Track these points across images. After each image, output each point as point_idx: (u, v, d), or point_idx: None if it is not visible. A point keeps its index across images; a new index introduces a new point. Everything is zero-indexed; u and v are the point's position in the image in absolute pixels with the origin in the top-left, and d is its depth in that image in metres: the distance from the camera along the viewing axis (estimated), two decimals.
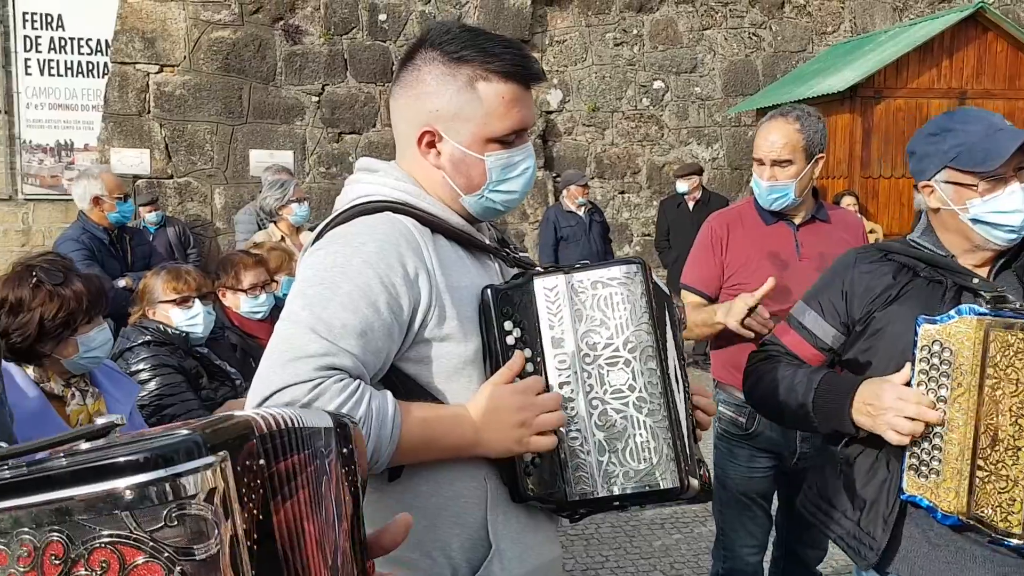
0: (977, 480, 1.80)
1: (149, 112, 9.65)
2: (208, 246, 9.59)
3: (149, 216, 7.76)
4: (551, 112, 10.79)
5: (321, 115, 10.05)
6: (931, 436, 1.86)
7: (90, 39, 11.42)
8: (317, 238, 1.61)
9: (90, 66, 11.48)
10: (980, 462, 1.79)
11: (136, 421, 2.58)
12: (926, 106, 9.39)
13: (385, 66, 10.18)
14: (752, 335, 2.80)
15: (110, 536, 0.64)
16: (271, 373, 1.40)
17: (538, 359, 1.57)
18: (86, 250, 5.31)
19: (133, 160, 9.50)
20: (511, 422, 1.50)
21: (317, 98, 10.05)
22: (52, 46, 11.39)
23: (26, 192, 11.44)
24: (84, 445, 0.71)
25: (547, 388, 1.56)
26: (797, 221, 3.05)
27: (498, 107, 1.57)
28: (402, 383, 1.53)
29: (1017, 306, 1.84)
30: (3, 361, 2.01)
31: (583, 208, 8.51)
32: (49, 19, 11.35)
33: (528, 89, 1.62)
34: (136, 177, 9.52)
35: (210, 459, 0.67)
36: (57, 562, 0.64)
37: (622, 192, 11.03)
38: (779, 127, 2.96)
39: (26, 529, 0.65)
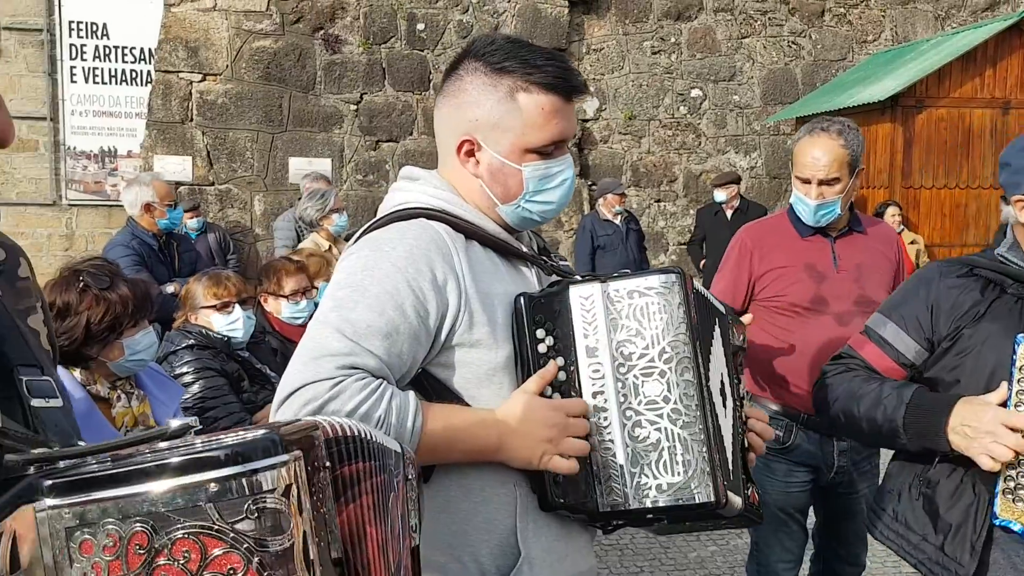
0: None
1: (192, 120, 9.80)
2: (247, 252, 9.71)
3: (191, 222, 7.87)
4: (587, 120, 10.79)
5: (359, 123, 10.14)
6: None
7: (134, 47, 11.64)
8: (354, 243, 1.64)
9: (133, 74, 11.69)
10: None
11: None
12: (968, 116, 9.26)
13: (422, 75, 10.25)
14: None
15: (192, 527, 0.67)
16: (295, 370, 1.44)
17: (571, 368, 1.56)
18: (136, 255, 5.40)
19: (175, 167, 9.65)
20: (539, 436, 1.51)
21: (355, 106, 10.14)
22: (97, 54, 11.62)
23: (70, 198, 11.67)
24: (162, 444, 0.74)
25: (580, 396, 1.55)
26: (833, 233, 3.02)
27: (537, 118, 1.58)
28: (432, 387, 1.55)
29: None
30: None
31: (619, 217, 8.48)
32: (94, 28, 11.58)
33: (569, 101, 1.62)
34: (178, 184, 9.67)
35: (285, 457, 0.70)
36: (141, 551, 0.67)
37: (658, 200, 10.99)
38: (823, 144, 2.89)
39: (111, 520, 0.67)
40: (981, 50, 9.23)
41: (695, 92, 10.99)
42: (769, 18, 11.10)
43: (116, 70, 11.69)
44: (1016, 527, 1.84)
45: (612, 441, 1.53)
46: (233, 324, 3.20)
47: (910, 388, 2.01)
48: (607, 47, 10.85)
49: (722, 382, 1.65)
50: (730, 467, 1.58)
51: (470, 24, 10.34)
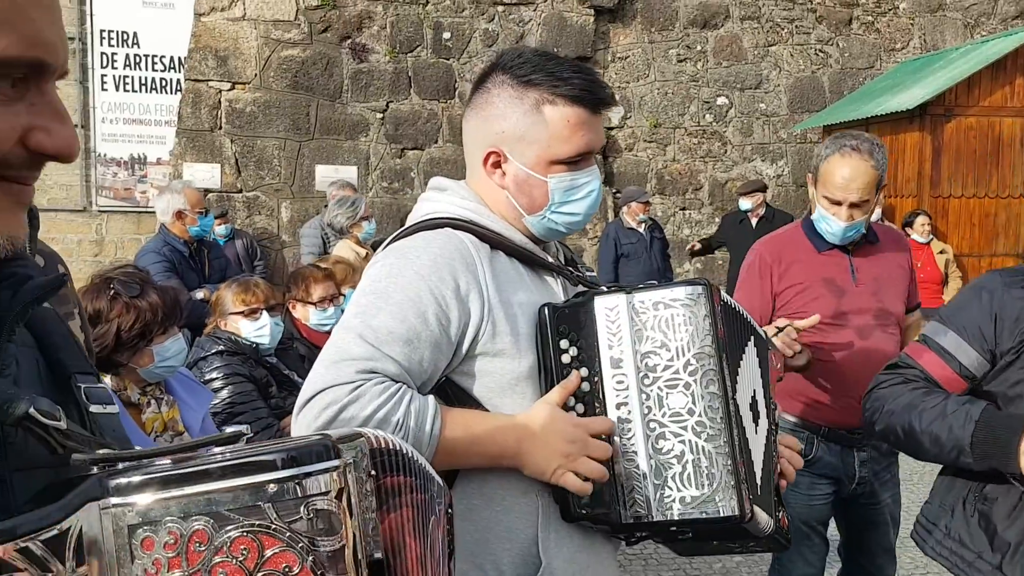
0: None
1: (220, 128, 9.90)
2: (274, 258, 9.79)
3: (219, 229, 7.94)
4: (612, 128, 10.78)
5: (385, 131, 10.20)
6: None
7: (163, 56, 11.79)
8: (381, 252, 1.66)
9: (163, 82, 11.85)
10: None
11: (209, 427, 2.66)
12: (998, 124, 9.17)
13: (448, 83, 10.29)
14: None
15: (251, 526, 0.70)
16: (317, 374, 1.46)
17: (595, 379, 1.56)
18: (167, 262, 5.46)
19: (204, 174, 9.75)
20: (557, 449, 1.50)
21: (381, 115, 10.20)
22: (127, 63, 11.79)
23: (100, 204, 11.83)
24: (216, 449, 0.77)
25: (604, 408, 1.55)
26: (850, 246, 2.99)
27: (563, 130, 1.60)
28: (456, 395, 1.56)
29: None
30: None
31: (643, 225, 8.46)
32: (125, 36, 11.75)
33: (596, 114, 1.63)
34: (207, 191, 9.76)
35: (337, 462, 0.73)
36: (201, 548, 0.69)
37: (683, 208, 10.96)
38: (855, 165, 2.82)
39: (172, 518, 0.70)
40: (1011, 58, 9.14)
41: (721, 100, 10.95)
42: (796, 26, 11.05)
43: (146, 78, 11.85)
44: None
45: (636, 452, 1.53)
46: (260, 330, 3.24)
47: (978, 405, 1.93)
48: (632, 55, 10.85)
49: (754, 399, 1.63)
50: (758, 482, 1.57)
51: (496, 33, 10.38)
